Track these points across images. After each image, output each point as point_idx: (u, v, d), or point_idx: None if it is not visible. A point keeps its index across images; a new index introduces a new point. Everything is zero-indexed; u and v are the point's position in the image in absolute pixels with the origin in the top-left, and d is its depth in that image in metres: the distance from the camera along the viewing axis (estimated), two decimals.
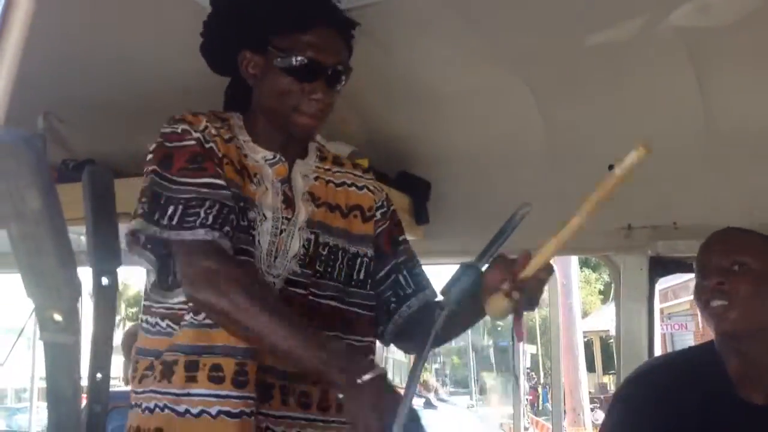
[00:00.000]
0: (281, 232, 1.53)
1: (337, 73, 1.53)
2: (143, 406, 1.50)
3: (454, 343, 24.51)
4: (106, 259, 1.31)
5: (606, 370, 22.17)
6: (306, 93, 1.51)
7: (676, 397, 1.76)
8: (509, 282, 1.25)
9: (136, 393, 1.54)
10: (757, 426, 1.72)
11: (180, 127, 1.49)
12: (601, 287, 23.45)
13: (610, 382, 19.56)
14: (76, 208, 1.16)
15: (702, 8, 1.76)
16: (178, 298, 1.49)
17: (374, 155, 2.27)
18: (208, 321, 1.46)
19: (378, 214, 1.66)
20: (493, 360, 23.86)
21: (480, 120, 2.29)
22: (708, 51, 1.88)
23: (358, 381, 1.25)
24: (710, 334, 1.81)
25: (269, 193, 1.54)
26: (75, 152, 2.46)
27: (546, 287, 1.33)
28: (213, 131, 1.51)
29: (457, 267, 2.02)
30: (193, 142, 1.48)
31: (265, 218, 1.52)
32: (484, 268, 1.25)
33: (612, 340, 21.77)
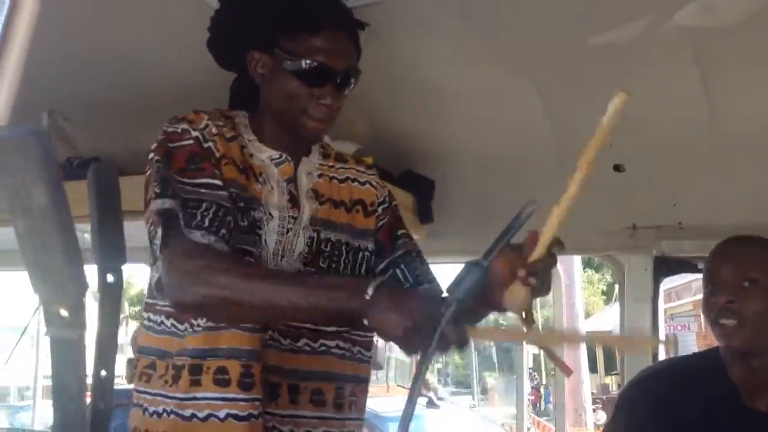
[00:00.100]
0: (287, 231, 1.53)
1: (347, 78, 1.53)
2: (151, 409, 1.50)
3: None
4: (111, 256, 1.31)
5: (608, 371, 22.12)
6: (315, 97, 1.51)
7: (680, 402, 1.76)
8: (523, 268, 1.24)
9: (138, 392, 1.54)
10: (761, 429, 1.72)
11: (180, 127, 1.49)
12: (604, 288, 23.41)
13: (612, 383, 19.54)
14: (80, 205, 1.16)
15: (707, 8, 1.75)
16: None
17: (379, 154, 2.27)
18: (210, 324, 1.45)
19: (380, 209, 1.66)
20: (495, 360, 23.80)
21: (485, 119, 2.29)
22: (713, 51, 1.88)
23: (366, 297, 1.24)
24: (713, 336, 1.81)
25: (275, 192, 1.54)
26: (79, 150, 2.46)
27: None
28: (213, 130, 1.50)
29: (460, 266, 2.02)
30: (191, 142, 1.47)
31: (272, 217, 1.52)
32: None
33: None
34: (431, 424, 6.50)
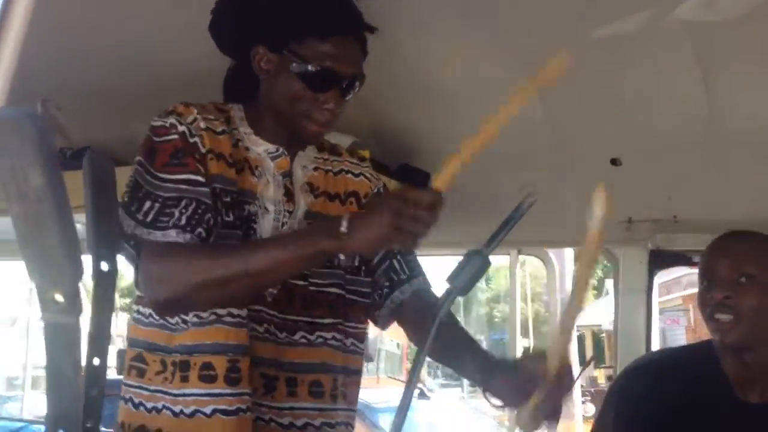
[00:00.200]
0: (283, 225, 1.52)
1: (352, 83, 1.52)
2: (149, 405, 1.50)
3: None
4: (106, 244, 1.30)
5: (597, 363, 22.20)
6: (319, 102, 1.50)
7: (671, 393, 1.76)
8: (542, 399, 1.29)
9: (129, 386, 1.54)
10: (752, 424, 1.73)
11: (168, 121, 1.48)
12: (595, 282, 23.51)
13: (601, 376, 19.63)
14: (74, 196, 1.14)
15: (709, 3, 1.75)
16: None
17: (375, 147, 2.26)
18: (198, 320, 1.45)
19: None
20: None
21: (483, 114, 2.27)
22: (714, 47, 1.87)
23: (342, 230, 1.31)
24: (702, 330, 1.81)
25: (271, 186, 1.53)
26: (73, 140, 2.44)
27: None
28: (202, 124, 1.49)
29: (453, 257, 2.01)
30: (176, 137, 1.47)
31: (267, 211, 1.52)
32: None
33: (603, 335, 21.87)
34: (422, 415, 6.52)
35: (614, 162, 2.20)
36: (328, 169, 1.63)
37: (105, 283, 1.30)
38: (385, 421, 6.13)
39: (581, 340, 19.44)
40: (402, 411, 1.05)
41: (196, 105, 1.52)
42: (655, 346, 2.38)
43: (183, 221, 1.42)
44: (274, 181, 1.54)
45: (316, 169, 1.61)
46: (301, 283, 1.52)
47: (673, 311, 15.92)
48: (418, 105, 2.28)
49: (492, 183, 2.39)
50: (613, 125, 2.13)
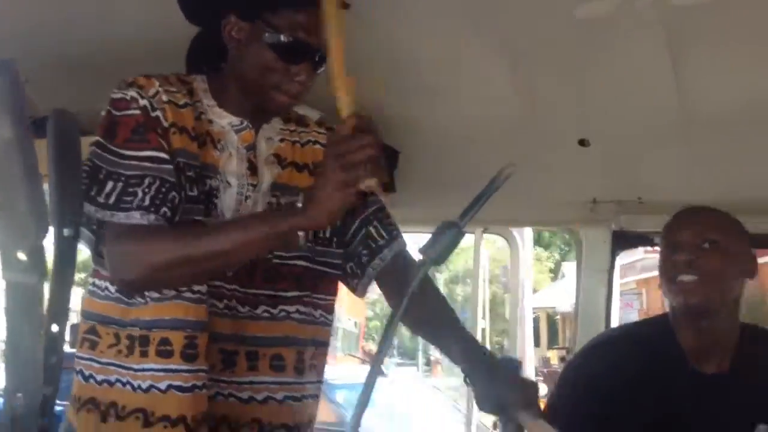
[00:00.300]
0: (246, 198, 1.50)
1: (324, 57, 1.49)
2: (99, 378, 1.48)
3: None
4: (69, 208, 1.27)
5: (550, 344, 22.55)
6: (290, 74, 1.47)
7: (628, 368, 1.78)
8: None
9: (81, 359, 1.51)
10: (709, 394, 1.76)
11: (129, 94, 1.45)
12: (551, 266, 23.81)
13: (553, 357, 19.94)
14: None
15: None
16: None
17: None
18: (157, 295, 1.44)
19: None
20: None
21: (453, 90, 2.27)
22: (685, 29, 1.88)
23: (299, 204, 1.35)
24: (655, 313, 1.84)
25: (233, 159, 1.51)
26: (37, 110, 2.37)
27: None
28: (164, 97, 1.46)
29: (422, 235, 2.01)
30: (137, 112, 1.44)
31: (229, 185, 1.49)
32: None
33: (558, 317, 22.20)
34: (380, 393, 6.57)
35: (582, 143, 2.20)
36: (295, 140, 1.60)
37: (67, 248, 1.28)
38: (342, 397, 6.18)
39: (536, 321, 19.72)
40: (368, 386, 1.03)
41: (157, 77, 1.48)
42: (614, 326, 2.40)
43: (147, 202, 1.39)
44: (237, 154, 1.51)
45: (282, 140, 1.58)
46: (264, 255, 1.50)
47: (628, 295, 16.21)
48: (387, 80, 2.26)
49: (461, 161, 2.39)
50: (582, 106, 2.14)
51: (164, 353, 1.43)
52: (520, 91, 2.17)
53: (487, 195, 1.07)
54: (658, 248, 1.93)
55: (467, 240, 2.80)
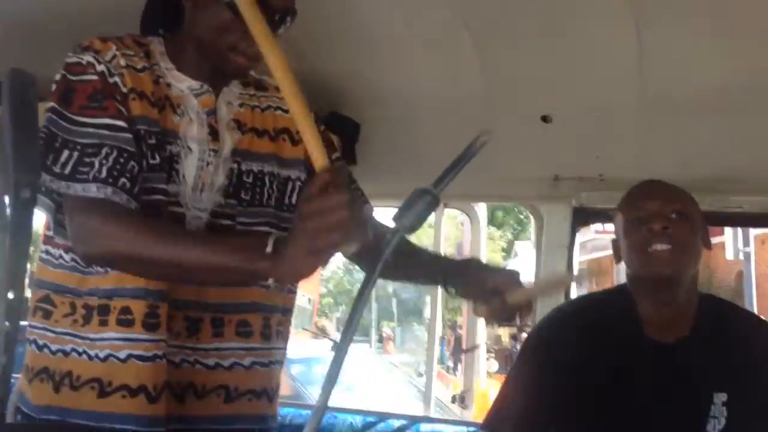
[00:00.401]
0: (207, 164, 1.47)
1: (284, 17, 1.46)
2: (54, 348, 1.45)
3: (355, 293, 24.68)
4: (27, 169, 1.23)
5: None
6: (248, 34, 1.40)
7: (588, 340, 1.80)
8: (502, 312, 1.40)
9: (34, 328, 1.48)
10: (667, 363, 1.78)
11: (85, 58, 1.40)
12: (504, 245, 24.03)
13: (504, 335, 20.20)
14: None
15: None
16: None
17: (304, 93, 2.20)
18: None
19: None
20: (395, 310, 24.19)
21: (415, 62, 2.26)
22: (650, 9, 1.89)
23: (267, 250, 1.25)
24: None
25: (194, 124, 1.47)
26: None
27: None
28: (122, 61, 1.42)
29: (383, 209, 1.99)
30: (95, 77, 1.39)
31: (191, 151, 1.46)
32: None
33: None
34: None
35: (545, 119, 2.21)
36: (255, 105, 1.57)
37: (23, 212, 1.24)
38: (296, 370, 6.20)
39: None
40: (337, 363, 1.02)
41: (113, 40, 1.43)
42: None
43: (104, 173, 1.35)
44: (198, 119, 1.47)
45: (242, 105, 1.54)
46: (227, 222, 1.48)
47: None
48: (350, 52, 2.24)
49: (422, 135, 2.38)
50: (545, 83, 2.15)
51: (125, 322, 1.41)
52: (483, 67, 2.17)
53: (462, 163, 1.06)
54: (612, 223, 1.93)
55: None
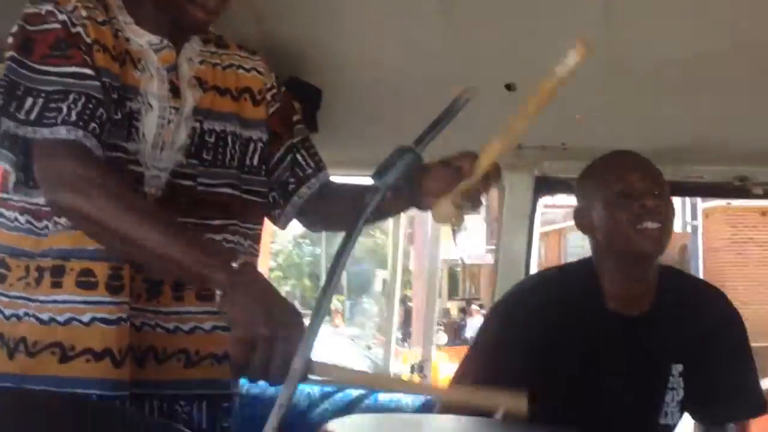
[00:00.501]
0: (168, 122, 1.43)
1: None
2: (7, 312, 1.40)
3: (306, 267, 24.71)
4: None
5: (450, 296, 23.07)
6: None
7: (550, 315, 1.80)
8: (457, 189, 1.27)
9: None
10: (630, 335, 1.80)
11: (44, 8, 1.35)
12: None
13: (453, 308, 20.43)
14: None
15: None
16: (43, 198, 1.36)
17: (264, 57, 2.16)
18: None
19: (268, 96, 1.58)
20: (344, 283, 24.27)
21: (379, 30, 2.22)
22: None
23: (234, 265, 1.17)
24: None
25: (155, 80, 1.43)
26: None
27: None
28: (83, 13, 1.37)
29: (343, 178, 1.96)
30: (57, 26, 1.34)
31: (151, 108, 1.42)
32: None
33: (459, 268, 22.66)
34: None
35: (509, 87, 2.19)
36: (216, 62, 1.53)
37: None
38: None
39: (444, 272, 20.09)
40: (312, 330, 0.98)
41: None
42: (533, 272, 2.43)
43: (73, 117, 1.30)
44: (158, 75, 1.43)
45: (203, 62, 1.50)
46: (187, 183, 1.45)
47: None
48: (311, 16, 2.19)
49: (385, 101, 2.35)
50: (510, 50, 2.13)
51: (87, 285, 1.36)
52: (447, 33, 2.14)
53: (446, 119, 1.03)
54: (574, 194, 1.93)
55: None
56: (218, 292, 1.17)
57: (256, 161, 1.53)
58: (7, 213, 1.42)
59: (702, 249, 12.14)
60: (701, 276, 11.48)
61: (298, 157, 1.58)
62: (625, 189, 1.77)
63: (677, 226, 12.46)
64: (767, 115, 2.05)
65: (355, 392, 2.51)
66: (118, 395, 1.37)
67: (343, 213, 1.45)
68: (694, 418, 1.93)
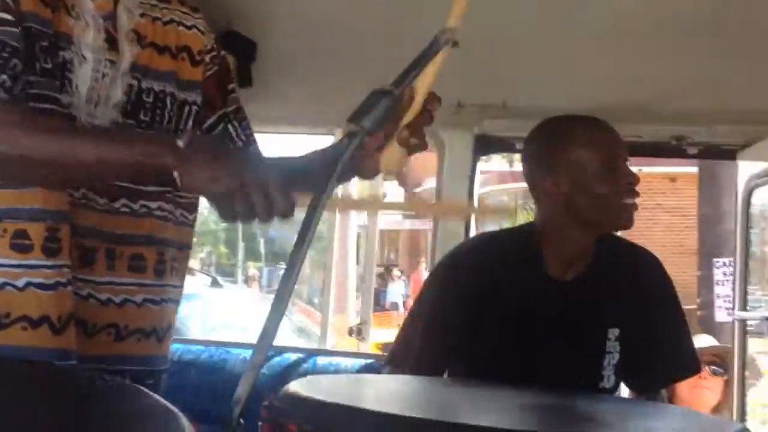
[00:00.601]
0: (103, 76, 1.34)
1: None
2: None
3: (222, 233, 24.37)
4: None
5: None
6: None
7: (488, 277, 1.80)
8: (401, 129, 1.21)
9: None
10: (566, 300, 1.81)
11: None
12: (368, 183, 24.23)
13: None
14: None
15: None
16: None
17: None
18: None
19: (207, 58, 1.50)
20: (262, 250, 24.04)
21: None
22: None
23: (179, 144, 1.18)
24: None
25: (90, 30, 1.33)
26: None
27: None
28: None
29: (277, 136, 1.89)
30: None
31: (85, 60, 1.33)
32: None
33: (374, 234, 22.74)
34: (215, 302, 6.48)
35: (455, 45, 2.15)
36: (157, 17, 1.44)
37: None
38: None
39: (356, 239, 20.13)
40: (280, 299, 0.93)
41: None
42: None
43: None
44: (94, 24, 1.34)
45: (143, 15, 1.41)
46: None
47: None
48: None
49: (322, 55, 2.28)
50: (451, 6, 2.08)
51: (21, 247, 1.28)
52: None
53: (425, 60, 0.98)
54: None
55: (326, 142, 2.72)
56: (176, 175, 1.17)
57: (190, 126, 1.46)
58: None
59: None
60: None
61: (230, 128, 1.51)
62: (614, 164, 1.76)
63: None
64: (703, 75, 2.08)
65: (292, 356, 2.47)
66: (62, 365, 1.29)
67: None
68: (628, 385, 1.95)
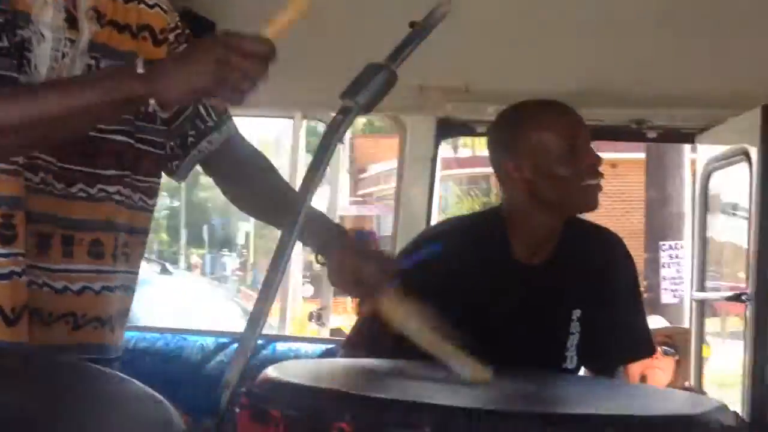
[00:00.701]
0: (63, 56, 1.29)
1: None
2: None
3: (164, 221, 24.02)
4: None
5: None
6: None
7: (453, 262, 1.79)
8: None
9: None
10: (533, 282, 1.82)
11: None
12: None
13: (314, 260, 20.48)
14: None
15: None
16: None
17: None
18: None
19: (171, 37, 1.45)
20: (205, 237, 23.79)
21: None
22: None
23: (138, 71, 1.17)
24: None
25: (49, 8, 1.29)
26: None
27: None
28: None
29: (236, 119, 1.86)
30: None
31: (44, 38, 1.28)
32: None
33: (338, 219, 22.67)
34: (164, 290, 6.38)
35: (412, 25, 2.14)
36: None
37: None
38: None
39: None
40: (268, 295, 0.90)
41: None
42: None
43: None
44: (53, 1, 1.29)
45: None
46: None
47: (390, 200, 16.87)
48: None
49: (291, 43, 2.23)
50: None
51: None
52: None
53: (421, 35, 0.96)
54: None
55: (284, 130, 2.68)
56: (152, 102, 1.18)
57: (150, 108, 1.38)
58: None
59: None
60: None
61: (200, 107, 1.47)
62: (575, 146, 1.76)
63: None
64: (664, 59, 2.11)
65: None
66: None
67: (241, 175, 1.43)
68: (584, 364, 1.97)
